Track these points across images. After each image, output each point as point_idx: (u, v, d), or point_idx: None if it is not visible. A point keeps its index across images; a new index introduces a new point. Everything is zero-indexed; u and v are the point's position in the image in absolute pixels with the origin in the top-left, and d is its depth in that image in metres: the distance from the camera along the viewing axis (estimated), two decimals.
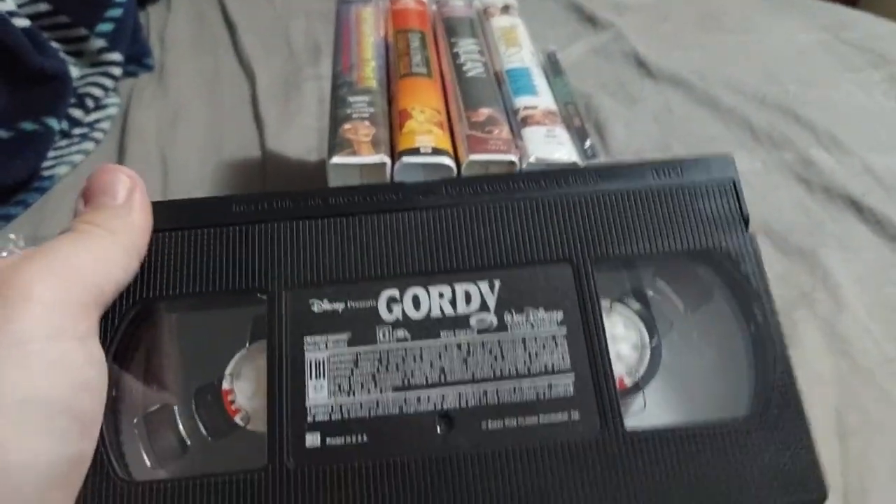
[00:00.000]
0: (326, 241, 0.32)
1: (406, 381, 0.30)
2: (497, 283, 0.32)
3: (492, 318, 0.32)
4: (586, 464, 0.29)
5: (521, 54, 0.51)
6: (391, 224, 0.33)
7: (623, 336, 0.35)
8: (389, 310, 0.31)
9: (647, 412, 0.34)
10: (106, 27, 0.78)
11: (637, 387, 0.34)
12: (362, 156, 0.41)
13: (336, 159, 0.41)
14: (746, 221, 0.34)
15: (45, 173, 0.67)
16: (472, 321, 0.31)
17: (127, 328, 0.31)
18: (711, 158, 0.35)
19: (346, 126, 0.43)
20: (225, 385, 0.33)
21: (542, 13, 0.98)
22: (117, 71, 0.79)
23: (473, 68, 0.49)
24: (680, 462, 0.29)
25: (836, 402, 0.48)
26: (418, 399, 0.30)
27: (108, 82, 0.78)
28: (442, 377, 0.31)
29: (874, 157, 0.70)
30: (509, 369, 0.31)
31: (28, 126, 0.66)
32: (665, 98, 0.81)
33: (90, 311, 0.29)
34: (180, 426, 0.33)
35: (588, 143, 0.45)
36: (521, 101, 0.46)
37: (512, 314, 0.32)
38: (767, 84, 0.82)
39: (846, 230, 0.62)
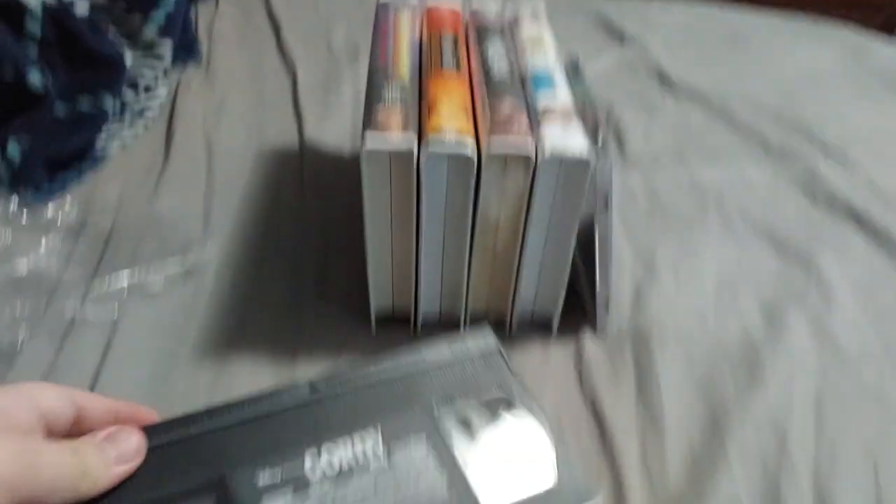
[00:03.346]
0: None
1: None
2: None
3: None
4: None
5: (546, 59, 0.55)
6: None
7: None
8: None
9: None
10: (160, 16, 0.84)
11: None
12: (391, 134, 0.45)
13: (368, 141, 0.45)
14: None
15: (98, 150, 0.72)
16: None
17: None
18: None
19: (379, 109, 0.48)
20: None
21: (571, 26, 1.02)
22: (168, 59, 0.84)
23: (500, 68, 0.53)
24: None
25: (816, 389, 0.51)
26: None
27: (159, 69, 0.83)
28: None
29: (880, 173, 0.72)
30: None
31: (85, 105, 0.71)
32: (684, 112, 0.84)
33: None
34: None
35: (600, 141, 0.49)
36: (542, 100, 0.50)
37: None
38: (785, 103, 0.85)
39: (845, 239, 0.65)
